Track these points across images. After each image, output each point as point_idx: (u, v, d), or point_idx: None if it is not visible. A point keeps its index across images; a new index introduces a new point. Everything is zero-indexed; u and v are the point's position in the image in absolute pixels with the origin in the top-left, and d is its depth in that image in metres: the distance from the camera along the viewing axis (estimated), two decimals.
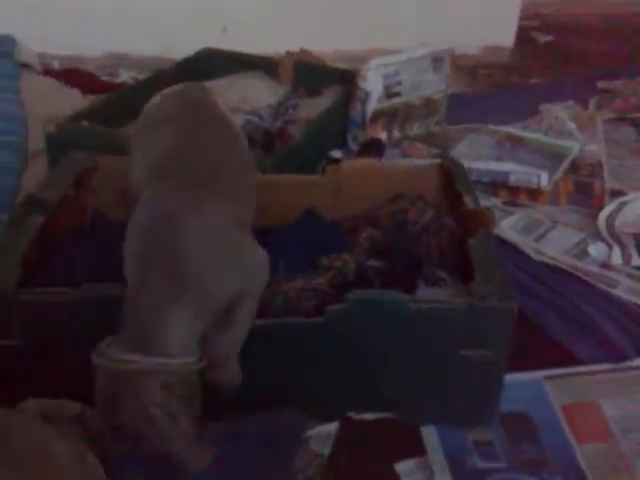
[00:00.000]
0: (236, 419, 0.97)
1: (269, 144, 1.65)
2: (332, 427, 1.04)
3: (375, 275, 1.18)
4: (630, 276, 1.36)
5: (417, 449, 1.02)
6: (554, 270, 1.39)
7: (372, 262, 1.20)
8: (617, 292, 1.32)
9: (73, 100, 1.99)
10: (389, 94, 1.78)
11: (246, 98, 1.91)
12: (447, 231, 1.24)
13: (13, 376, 0.98)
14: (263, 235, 1.28)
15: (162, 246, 0.87)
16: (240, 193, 1.02)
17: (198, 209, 0.91)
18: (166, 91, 1.16)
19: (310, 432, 1.03)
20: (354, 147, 1.79)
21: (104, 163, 1.30)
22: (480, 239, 1.06)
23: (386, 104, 1.79)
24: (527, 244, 1.46)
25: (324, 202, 1.33)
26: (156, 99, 1.15)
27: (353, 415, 1.05)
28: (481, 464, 1.00)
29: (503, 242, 1.46)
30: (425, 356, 1.00)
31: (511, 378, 1.10)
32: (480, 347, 0.98)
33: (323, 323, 0.99)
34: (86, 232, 1.28)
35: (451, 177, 1.29)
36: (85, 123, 1.54)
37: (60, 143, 1.48)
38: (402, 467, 1.00)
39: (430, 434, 1.04)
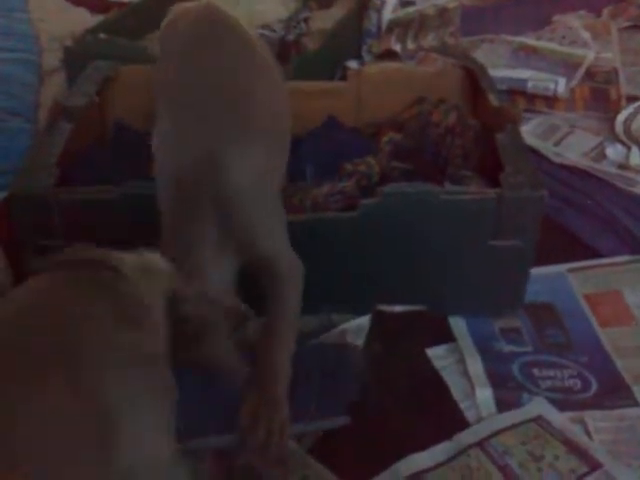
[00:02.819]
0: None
1: (285, 54, 1.65)
2: (365, 320, 1.09)
3: (399, 176, 1.20)
4: None
5: (447, 337, 1.07)
6: (574, 171, 1.41)
7: (396, 163, 1.22)
8: (636, 190, 1.34)
9: (83, 18, 1.97)
10: (403, 2, 1.77)
11: (254, 12, 1.89)
12: (472, 132, 1.25)
13: None
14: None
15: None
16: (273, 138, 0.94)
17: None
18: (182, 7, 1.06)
19: (345, 325, 1.08)
20: (368, 58, 1.79)
21: (125, 73, 1.31)
22: (508, 133, 1.08)
23: (401, 13, 1.77)
24: (547, 148, 1.48)
25: (346, 108, 1.34)
26: (173, 17, 1.06)
27: (385, 308, 1.10)
28: (508, 348, 1.05)
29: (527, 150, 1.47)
30: (456, 247, 1.03)
31: (535, 272, 1.13)
32: (509, 237, 1.01)
33: (357, 217, 1.01)
34: (108, 142, 1.30)
35: (474, 79, 1.30)
36: (103, 35, 1.53)
37: (78, 57, 1.47)
38: (433, 352, 1.04)
39: (458, 323, 1.09)
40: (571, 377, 0.99)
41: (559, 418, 0.93)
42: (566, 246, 1.25)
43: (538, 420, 0.93)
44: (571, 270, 1.18)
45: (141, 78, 1.23)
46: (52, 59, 1.73)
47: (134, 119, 1.28)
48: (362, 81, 1.34)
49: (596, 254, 1.22)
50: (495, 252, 1.03)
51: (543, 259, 1.18)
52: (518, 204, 0.97)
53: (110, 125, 1.31)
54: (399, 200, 1.00)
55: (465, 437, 0.91)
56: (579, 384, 0.98)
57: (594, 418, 0.93)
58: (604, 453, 0.88)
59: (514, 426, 0.92)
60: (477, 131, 1.23)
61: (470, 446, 0.90)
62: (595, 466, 0.87)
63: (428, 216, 1.00)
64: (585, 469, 0.86)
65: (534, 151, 1.46)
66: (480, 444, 0.90)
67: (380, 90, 1.34)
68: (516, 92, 1.66)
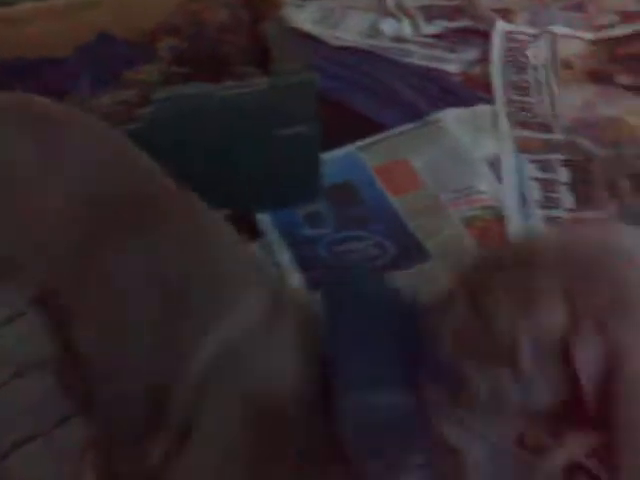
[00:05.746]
0: None
1: None
2: None
3: (182, 81, 1.17)
4: (422, 44, 1.45)
5: (256, 234, 1.09)
6: (352, 52, 1.45)
7: (176, 69, 1.19)
8: (411, 60, 1.40)
9: None
10: None
11: None
12: (244, 26, 1.24)
13: None
14: (57, 64, 1.22)
15: None
16: None
17: None
18: None
19: None
20: None
21: None
22: (272, 22, 1.08)
23: None
24: (325, 33, 1.49)
25: (111, 20, 1.27)
26: None
27: None
28: (312, 232, 1.09)
29: (301, 35, 1.48)
30: (244, 143, 1.03)
31: (329, 155, 1.18)
32: (292, 125, 1.03)
33: (138, 130, 0.98)
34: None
35: None
36: None
37: None
38: None
39: (264, 219, 1.11)
40: (371, 246, 1.06)
41: None
42: (354, 125, 1.29)
43: None
44: (361, 147, 1.23)
45: None
46: None
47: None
48: None
49: (382, 128, 1.27)
50: (283, 142, 1.04)
51: (335, 142, 1.22)
52: (292, 90, 0.98)
53: None
54: (174, 104, 0.98)
55: None
56: (377, 251, 1.04)
57: (394, 278, 1.00)
58: None
59: None
60: (250, 24, 1.21)
61: None
62: None
63: (208, 115, 0.99)
64: None
65: (313, 38, 1.48)
66: None
67: None
68: None
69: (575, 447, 0.67)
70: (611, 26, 1.45)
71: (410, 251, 1.04)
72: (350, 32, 1.49)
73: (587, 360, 0.59)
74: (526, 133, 1.25)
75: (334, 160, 1.19)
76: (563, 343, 0.60)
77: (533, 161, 1.20)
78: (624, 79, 1.32)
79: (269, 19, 1.08)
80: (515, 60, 1.38)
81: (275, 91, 0.97)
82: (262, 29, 1.06)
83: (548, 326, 0.60)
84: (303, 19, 1.53)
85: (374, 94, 1.33)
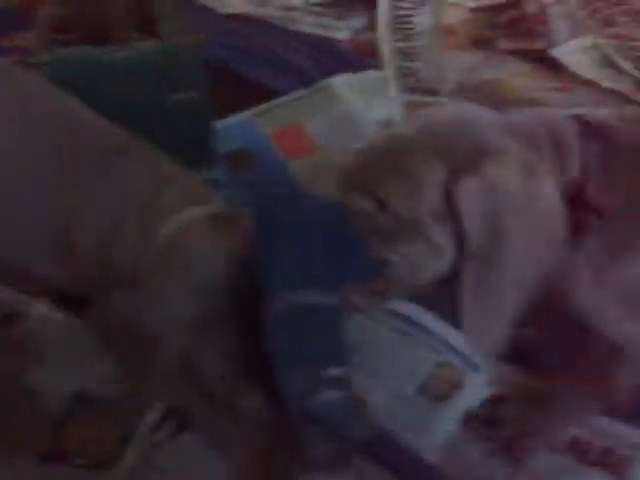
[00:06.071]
0: None
1: None
2: None
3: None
4: (310, 13, 1.45)
5: None
6: (243, 20, 1.44)
7: (58, 36, 1.15)
8: (301, 28, 1.41)
9: None
10: None
11: None
12: None
13: None
14: None
15: None
16: None
17: None
18: None
19: None
20: None
21: None
22: None
23: None
24: (213, 1, 1.47)
25: None
26: None
27: None
28: None
29: (190, 3, 1.46)
30: (134, 109, 1.00)
31: (223, 123, 1.17)
32: (181, 89, 1.01)
33: None
34: None
35: None
36: None
37: None
38: None
39: None
40: None
41: None
42: (249, 93, 1.28)
43: None
44: (257, 114, 1.23)
45: None
46: None
47: None
48: None
49: (276, 94, 1.28)
50: (174, 108, 1.03)
51: (230, 110, 1.21)
52: (179, 53, 0.97)
53: None
54: (58, 69, 0.94)
55: None
56: None
57: None
58: None
59: None
60: None
61: None
62: None
63: (97, 81, 0.96)
64: None
65: (202, 6, 1.46)
66: None
67: None
68: None
69: None
70: None
71: None
72: (239, 1, 1.48)
73: (470, 201, 0.67)
74: (414, 97, 1.29)
75: (229, 127, 1.18)
76: (449, 197, 0.68)
77: None
78: (505, 44, 1.38)
79: None
80: (401, 27, 1.41)
81: (162, 54, 0.96)
82: None
83: (434, 188, 0.68)
84: None
85: (266, 61, 1.33)
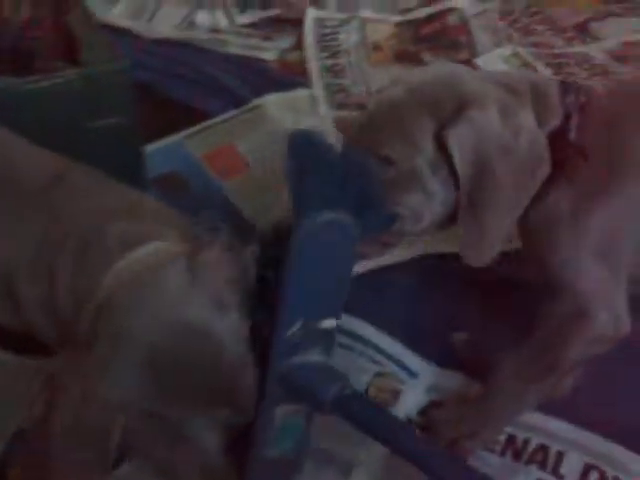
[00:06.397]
0: None
1: None
2: None
3: None
4: (238, 34, 1.47)
5: None
6: (170, 44, 1.44)
7: None
8: (228, 50, 1.42)
9: None
10: None
11: None
12: (48, 21, 1.20)
13: None
14: None
15: None
16: None
17: None
18: None
19: None
20: None
21: None
22: (76, 14, 1.05)
23: None
24: (139, 26, 1.47)
25: None
26: None
27: None
28: None
29: (115, 30, 1.46)
30: (58, 137, 0.99)
31: (153, 147, 1.17)
32: (106, 115, 1.01)
33: None
34: None
35: None
36: None
37: None
38: None
39: None
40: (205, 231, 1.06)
41: None
42: (179, 116, 1.29)
43: None
44: (187, 137, 1.23)
45: None
46: None
47: None
48: None
49: (207, 116, 1.28)
50: (101, 134, 1.02)
51: (162, 133, 1.21)
52: (103, 80, 0.96)
53: None
54: None
55: None
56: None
57: None
58: None
59: None
60: (54, 18, 1.18)
61: None
62: None
63: (19, 109, 0.95)
64: None
65: (127, 32, 1.45)
66: None
67: None
68: None
69: None
70: (415, 9, 1.54)
71: (245, 233, 1.05)
72: (165, 25, 1.48)
73: (459, 144, 0.76)
74: (344, 113, 1.30)
75: (159, 151, 1.18)
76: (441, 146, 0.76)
77: None
78: (428, 56, 1.41)
79: (72, 12, 1.05)
80: (328, 45, 1.43)
81: (85, 81, 0.95)
82: (67, 22, 1.03)
83: (427, 140, 0.77)
84: (117, 14, 1.50)
85: (196, 84, 1.34)
